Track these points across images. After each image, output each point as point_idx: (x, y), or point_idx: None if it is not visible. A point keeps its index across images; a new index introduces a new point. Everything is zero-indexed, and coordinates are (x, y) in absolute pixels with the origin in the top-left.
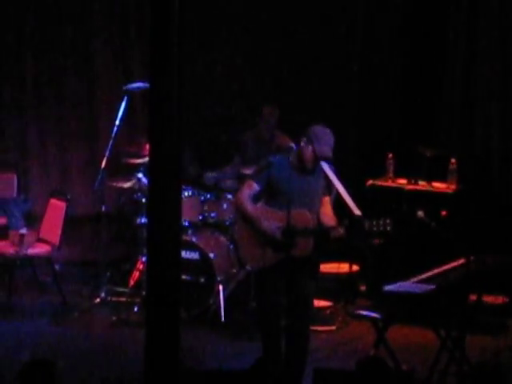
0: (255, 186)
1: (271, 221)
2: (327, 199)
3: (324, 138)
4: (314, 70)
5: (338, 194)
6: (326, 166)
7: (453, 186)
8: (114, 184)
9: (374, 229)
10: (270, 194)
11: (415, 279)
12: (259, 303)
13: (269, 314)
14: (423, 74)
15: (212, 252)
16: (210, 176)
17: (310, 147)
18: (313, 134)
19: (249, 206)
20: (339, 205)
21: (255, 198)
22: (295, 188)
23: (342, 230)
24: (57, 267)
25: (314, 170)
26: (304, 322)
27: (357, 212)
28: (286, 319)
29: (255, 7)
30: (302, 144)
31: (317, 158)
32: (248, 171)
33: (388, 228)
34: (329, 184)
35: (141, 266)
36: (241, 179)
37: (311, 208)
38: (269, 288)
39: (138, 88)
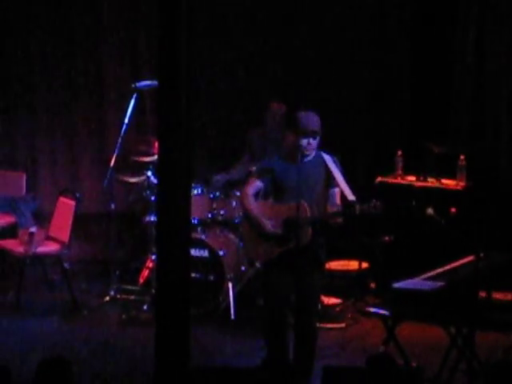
0: (258, 184)
1: (275, 217)
2: (337, 191)
3: (305, 116)
4: (324, 68)
5: (335, 182)
6: (327, 158)
7: (462, 183)
8: (124, 179)
9: (366, 212)
10: (276, 192)
11: (424, 276)
12: (265, 300)
13: (275, 312)
14: (432, 71)
15: (221, 250)
16: (218, 179)
17: (293, 133)
18: (294, 120)
19: (250, 203)
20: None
21: (263, 195)
22: (296, 180)
23: (340, 219)
24: (66, 265)
25: (312, 160)
26: (310, 318)
27: (351, 197)
28: (293, 317)
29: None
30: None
31: (300, 138)
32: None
33: (378, 210)
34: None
35: (150, 264)
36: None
37: (313, 197)
38: (275, 285)
39: (147, 86)
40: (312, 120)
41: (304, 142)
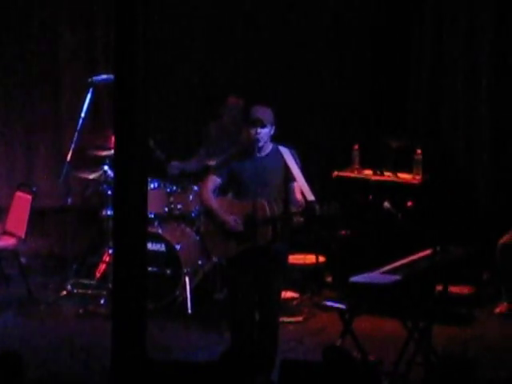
0: (217, 180)
1: (234, 213)
2: (296, 185)
3: (254, 108)
4: (282, 63)
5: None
6: (284, 151)
7: (418, 177)
8: (80, 175)
9: (325, 213)
10: (235, 188)
11: (381, 270)
12: (230, 297)
13: (240, 308)
14: (390, 66)
15: (178, 244)
16: (174, 165)
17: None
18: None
19: (210, 199)
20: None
21: (222, 191)
22: (254, 174)
23: (301, 218)
24: (23, 260)
25: (268, 153)
26: (272, 314)
27: (310, 198)
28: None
29: None
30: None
31: (249, 128)
32: (212, 163)
33: (335, 211)
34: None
35: (107, 258)
36: (205, 171)
37: (271, 192)
38: (238, 281)
39: (103, 80)
40: (259, 110)
41: (252, 131)
